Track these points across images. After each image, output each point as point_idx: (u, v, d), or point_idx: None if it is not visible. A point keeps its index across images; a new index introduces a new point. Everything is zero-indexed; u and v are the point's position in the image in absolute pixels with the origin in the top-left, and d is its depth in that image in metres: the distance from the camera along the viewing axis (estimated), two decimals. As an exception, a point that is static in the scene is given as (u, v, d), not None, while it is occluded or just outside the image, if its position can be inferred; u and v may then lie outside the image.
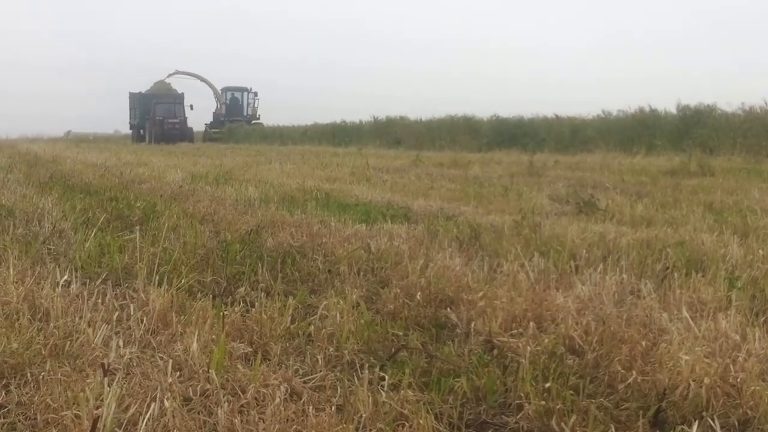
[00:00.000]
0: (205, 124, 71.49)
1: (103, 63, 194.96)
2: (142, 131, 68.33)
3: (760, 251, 6.86)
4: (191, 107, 67.66)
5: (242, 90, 72.39)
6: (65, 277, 5.56)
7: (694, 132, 28.63)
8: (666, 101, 40.02)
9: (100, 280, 5.76)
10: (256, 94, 72.23)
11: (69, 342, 4.40)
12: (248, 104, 72.00)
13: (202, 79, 73.98)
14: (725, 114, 29.54)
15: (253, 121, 70.41)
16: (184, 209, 10.40)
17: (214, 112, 72.40)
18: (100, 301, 5.19)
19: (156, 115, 64.80)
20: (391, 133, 46.82)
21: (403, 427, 3.52)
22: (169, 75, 74.51)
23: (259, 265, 6.50)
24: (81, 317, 4.79)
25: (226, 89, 72.55)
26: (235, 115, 70.36)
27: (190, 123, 67.16)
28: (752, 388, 3.79)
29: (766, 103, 28.12)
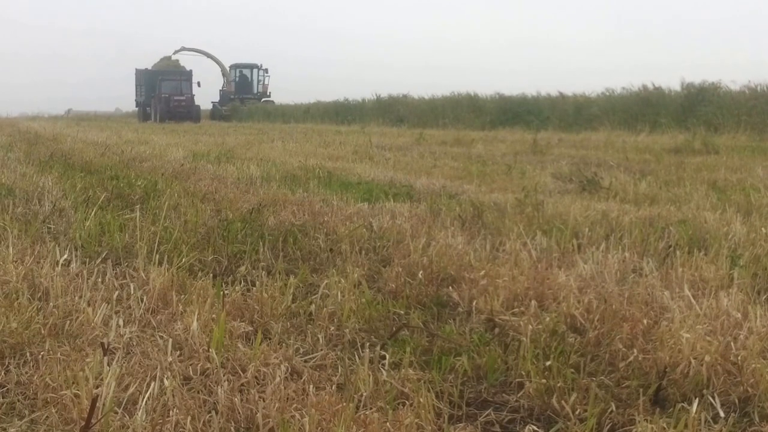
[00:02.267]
0: (213, 102, 70.17)
1: (104, 44, 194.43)
2: (148, 109, 66.84)
3: (763, 229, 6.86)
4: (198, 84, 66.43)
5: (252, 66, 71.23)
6: (65, 256, 5.56)
7: (699, 110, 28.59)
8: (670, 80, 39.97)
9: (100, 259, 5.76)
10: (266, 70, 71.00)
11: (68, 321, 4.40)
12: (258, 81, 70.82)
13: (209, 56, 73.06)
14: (730, 92, 29.49)
15: (264, 99, 69.16)
16: (185, 188, 10.40)
17: (220, 90, 71.38)
18: (100, 280, 5.19)
19: (162, 93, 63.03)
20: (394, 111, 46.81)
21: (403, 406, 3.52)
22: (176, 51, 73.00)
23: (261, 243, 6.50)
24: (81, 296, 4.79)
25: (234, 66, 71.52)
26: (244, 93, 69.26)
27: (199, 101, 65.50)
28: (753, 365, 3.79)
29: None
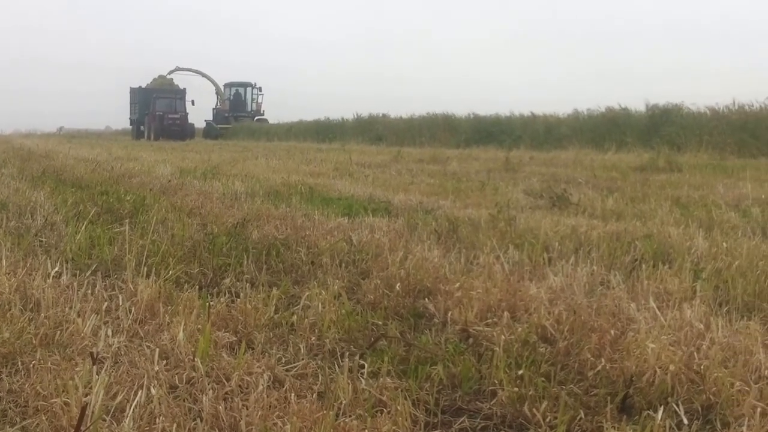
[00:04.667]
0: (207, 121, 69.51)
1: (95, 61, 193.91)
2: (142, 127, 65.74)
3: (724, 244, 6.88)
4: (192, 103, 65.44)
5: (246, 85, 70.60)
6: (56, 269, 5.53)
7: (663, 130, 28.76)
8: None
9: (89, 272, 5.73)
10: (260, 89, 70.48)
11: (59, 331, 4.38)
12: (252, 99, 70.25)
13: (204, 75, 72.71)
14: (692, 113, 29.75)
15: (257, 117, 68.49)
16: (173, 203, 10.36)
17: (214, 108, 70.91)
18: (89, 291, 5.16)
19: (156, 110, 61.85)
20: (373, 130, 46.92)
21: (381, 413, 3.51)
22: (171, 72, 72.49)
23: (245, 256, 6.48)
24: (71, 307, 4.76)
25: (229, 85, 70.95)
26: (238, 111, 68.51)
27: (192, 119, 64.80)
28: (715, 375, 3.80)
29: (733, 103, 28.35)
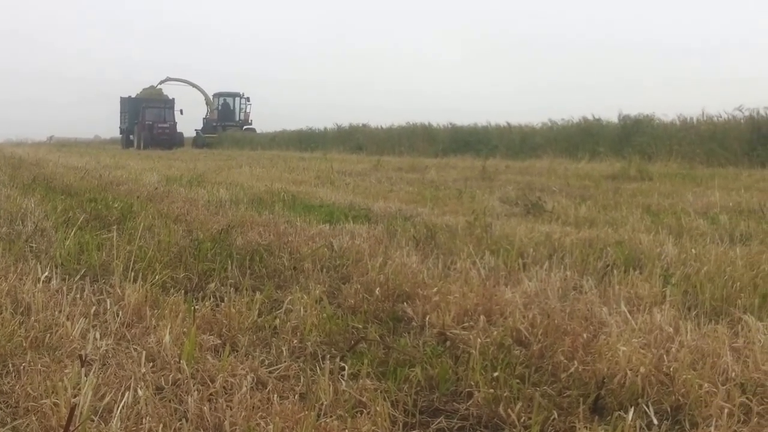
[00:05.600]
0: (196, 130, 68.75)
1: (84, 72, 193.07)
2: (131, 136, 65.03)
3: (693, 250, 6.91)
4: (181, 112, 65.01)
5: (234, 95, 69.89)
6: (46, 274, 5.51)
7: (634, 140, 28.82)
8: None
9: (78, 277, 5.71)
10: (248, 99, 69.71)
11: (49, 334, 4.37)
12: (240, 109, 69.53)
13: (194, 85, 71.87)
14: (663, 123, 29.83)
15: (245, 127, 67.72)
16: (159, 210, 10.33)
17: (204, 118, 70.19)
18: (78, 296, 5.15)
19: (145, 120, 61.25)
20: (353, 139, 46.90)
21: (361, 414, 3.52)
22: (161, 82, 71.54)
23: (229, 262, 6.48)
24: (60, 311, 4.75)
25: (217, 94, 70.21)
26: (227, 121, 67.77)
27: (182, 128, 64.29)
28: (684, 376, 3.82)
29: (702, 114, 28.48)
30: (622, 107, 34.07)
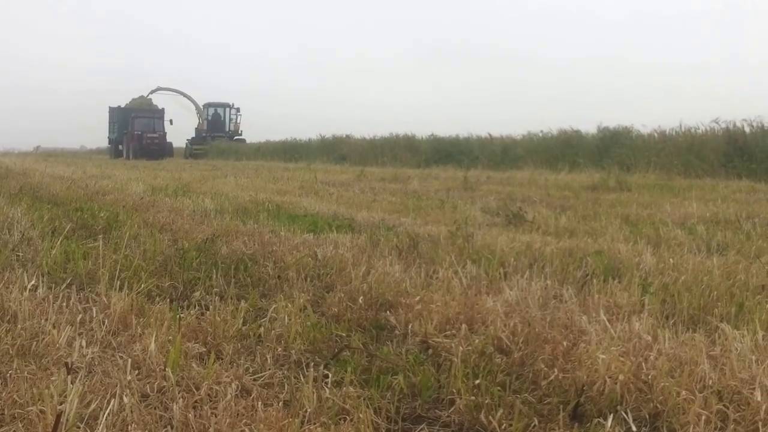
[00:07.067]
0: (187, 140, 68.12)
1: (70, 84, 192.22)
2: (120, 146, 64.40)
3: (671, 260, 6.94)
4: (171, 122, 64.56)
5: (224, 106, 69.08)
6: (32, 282, 5.50)
7: (613, 151, 28.91)
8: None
9: (65, 285, 5.69)
10: (238, 110, 68.98)
11: (35, 342, 4.35)
12: (230, 120, 68.80)
13: (184, 95, 71.12)
14: (641, 135, 29.94)
15: (235, 137, 66.96)
16: (145, 219, 10.31)
17: (196, 128, 69.49)
18: (64, 304, 5.14)
19: (134, 130, 60.69)
20: (337, 150, 46.89)
21: (345, 421, 3.52)
22: (152, 91, 70.83)
23: (214, 271, 6.47)
24: (47, 319, 4.74)
25: (208, 105, 69.43)
26: (217, 131, 66.99)
27: (173, 139, 64.08)
28: (662, 384, 3.83)
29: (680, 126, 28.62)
30: (601, 119, 34.10)
